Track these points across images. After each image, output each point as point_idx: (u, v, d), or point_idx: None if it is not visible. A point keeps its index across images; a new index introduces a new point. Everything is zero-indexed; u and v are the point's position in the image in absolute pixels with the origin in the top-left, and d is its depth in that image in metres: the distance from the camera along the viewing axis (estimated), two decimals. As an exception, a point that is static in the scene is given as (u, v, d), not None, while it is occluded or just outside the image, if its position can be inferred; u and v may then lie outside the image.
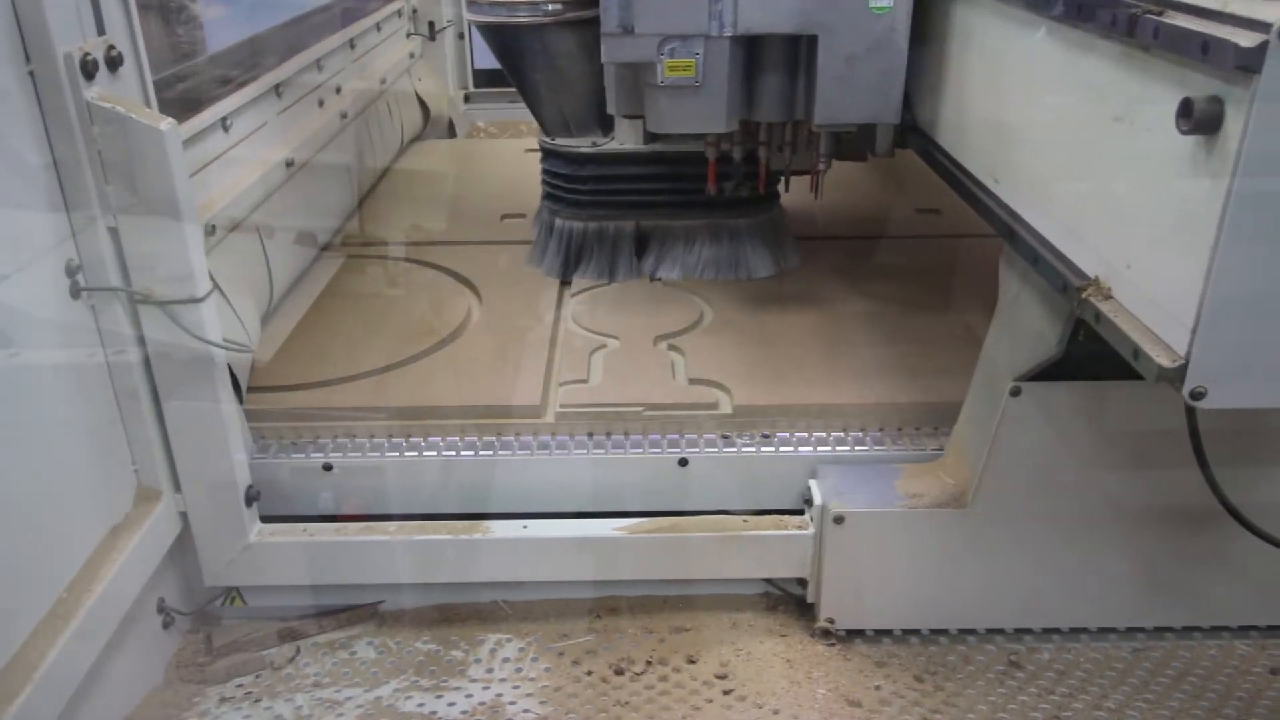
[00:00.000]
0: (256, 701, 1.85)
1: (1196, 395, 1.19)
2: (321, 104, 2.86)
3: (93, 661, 1.61)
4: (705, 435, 2.07)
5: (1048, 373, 1.71)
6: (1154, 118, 1.22)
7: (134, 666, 1.83)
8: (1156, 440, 1.74)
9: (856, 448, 2.05)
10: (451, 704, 1.83)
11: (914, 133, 2.15)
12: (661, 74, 2.02)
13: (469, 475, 2.05)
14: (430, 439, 2.08)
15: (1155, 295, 1.25)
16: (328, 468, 2.03)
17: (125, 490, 1.80)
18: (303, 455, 2.05)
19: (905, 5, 1.94)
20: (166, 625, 1.93)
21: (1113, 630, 1.97)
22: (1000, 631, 1.97)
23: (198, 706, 1.84)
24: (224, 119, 2.16)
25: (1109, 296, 1.35)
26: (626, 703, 1.81)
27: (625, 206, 2.68)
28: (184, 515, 1.91)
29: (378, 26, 3.59)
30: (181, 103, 2.06)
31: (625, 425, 2.10)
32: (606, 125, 2.61)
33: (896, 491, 1.89)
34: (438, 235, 3.01)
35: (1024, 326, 1.72)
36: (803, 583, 1.99)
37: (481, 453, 2.05)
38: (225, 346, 1.77)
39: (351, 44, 3.21)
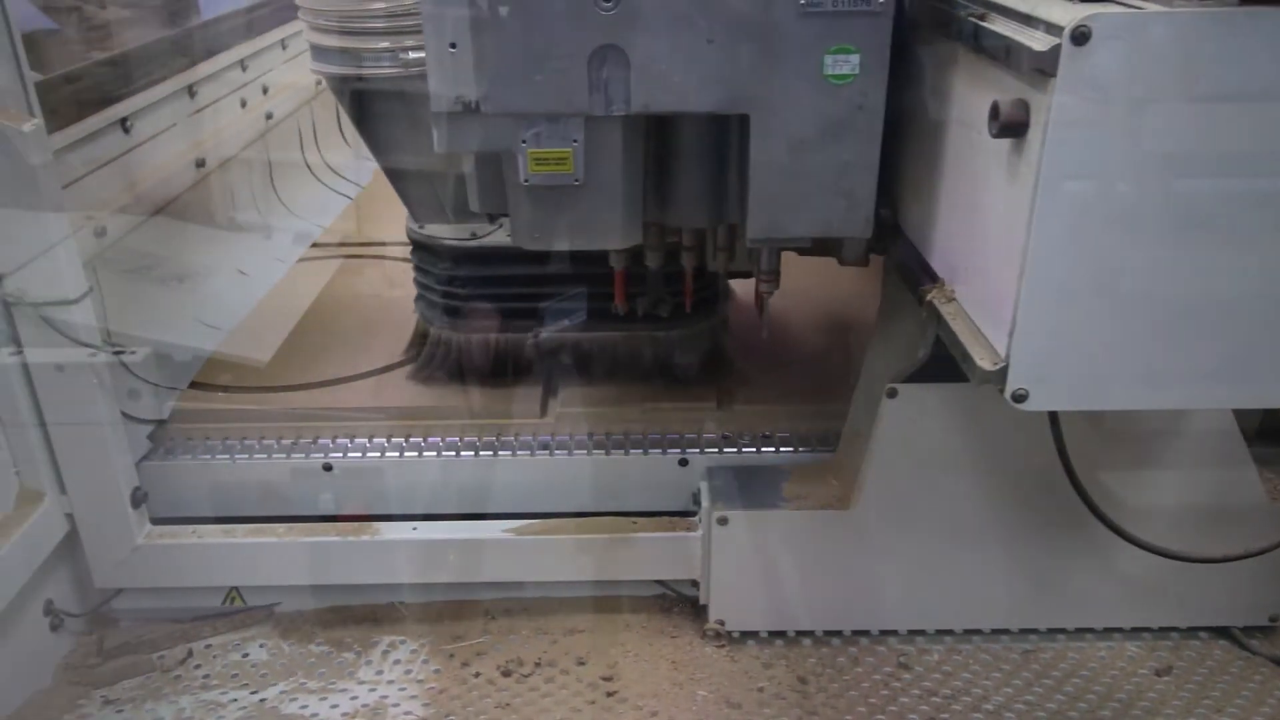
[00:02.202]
0: (140, 704, 1.84)
1: (1018, 398, 1.19)
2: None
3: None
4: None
5: (925, 375, 1.71)
6: (981, 121, 1.22)
7: (18, 668, 1.83)
8: (1032, 440, 1.74)
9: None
10: (334, 706, 1.83)
11: (895, 235, 1.65)
12: (525, 170, 1.48)
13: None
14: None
15: (984, 298, 1.25)
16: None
17: (5, 491, 1.80)
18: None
19: (879, 71, 1.39)
20: (55, 627, 1.93)
21: (1006, 632, 1.97)
22: (894, 633, 1.97)
23: (80, 709, 1.84)
24: (124, 120, 2.16)
25: (951, 299, 1.36)
26: (508, 704, 1.81)
27: (517, 316, 2.10)
28: (70, 517, 1.90)
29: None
30: (78, 103, 2.05)
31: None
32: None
33: (782, 493, 1.89)
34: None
35: (899, 331, 1.72)
36: (696, 585, 1.99)
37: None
38: (99, 347, 1.76)
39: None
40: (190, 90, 2.50)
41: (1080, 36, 1.01)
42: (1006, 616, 1.95)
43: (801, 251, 1.77)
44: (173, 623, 2.03)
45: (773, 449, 2.07)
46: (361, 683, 1.88)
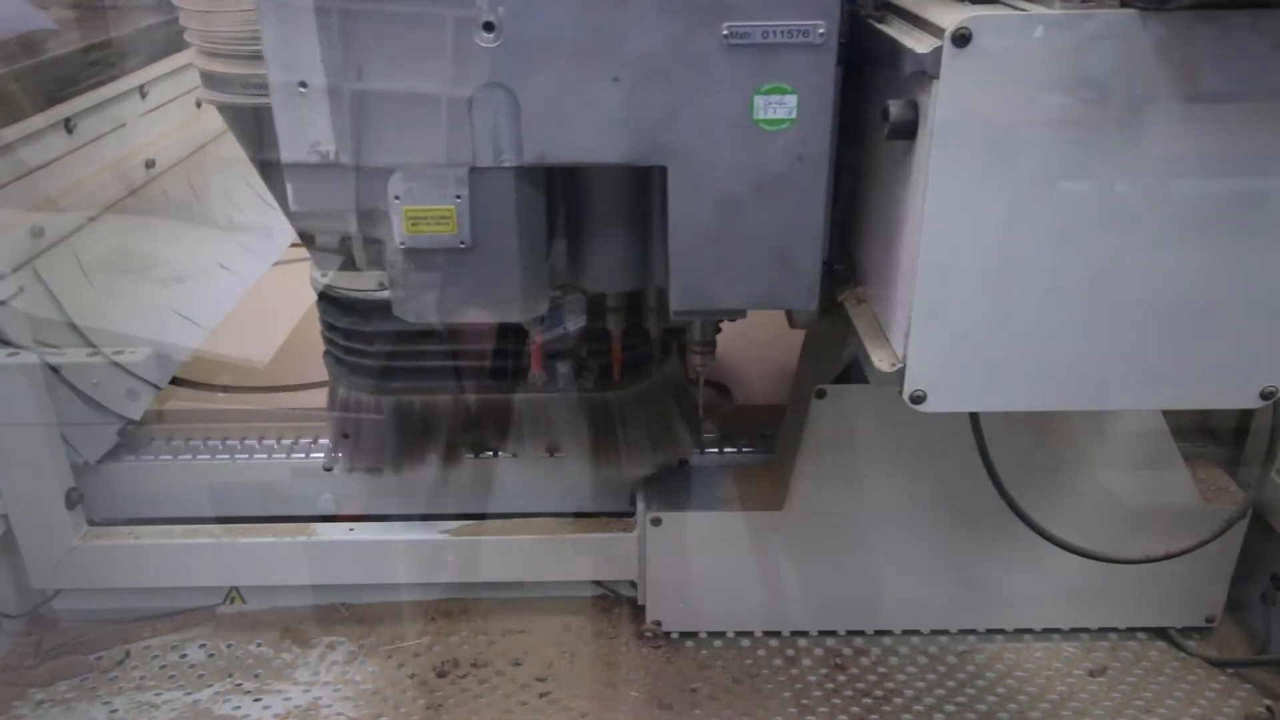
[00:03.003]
0: (74, 704, 1.84)
1: (916, 399, 1.19)
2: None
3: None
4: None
5: (856, 376, 1.71)
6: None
7: (-48, 669, 1.83)
8: (962, 442, 1.74)
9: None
10: (267, 707, 1.82)
11: (848, 288, 1.41)
12: (400, 230, 1.24)
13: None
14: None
15: (886, 300, 1.26)
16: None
17: (-62, 494, 1.80)
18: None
19: (821, 113, 1.16)
20: (-9, 628, 1.93)
21: (944, 633, 1.97)
22: (832, 634, 1.97)
23: (14, 710, 1.84)
24: (67, 120, 2.15)
25: (862, 301, 1.35)
26: (440, 705, 1.81)
27: (432, 374, 1.83)
28: (5, 518, 1.90)
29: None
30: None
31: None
32: None
33: (718, 494, 1.89)
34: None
35: (830, 333, 1.72)
36: (635, 585, 1.99)
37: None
38: (30, 348, 1.76)
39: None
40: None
41: (961, 38, 1.01)
42: (944, 617, 1.96)
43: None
44: (113, 624, 2.03)
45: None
46: (297, 684, 1.88)
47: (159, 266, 2.49)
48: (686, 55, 1.13)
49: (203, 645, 1.99)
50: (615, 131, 1.17)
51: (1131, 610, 1.94)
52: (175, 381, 2.27)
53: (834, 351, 1.71)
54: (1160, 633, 1.96)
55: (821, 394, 1.72)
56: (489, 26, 1.12)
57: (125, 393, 2.06)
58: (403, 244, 1.25)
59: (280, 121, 1.19)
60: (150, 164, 2.45)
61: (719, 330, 1.61)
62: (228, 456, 2.09)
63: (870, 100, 1.24)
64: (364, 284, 1.76)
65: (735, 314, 1.35)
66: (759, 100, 1.14)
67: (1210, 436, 2.07)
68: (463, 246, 1.25)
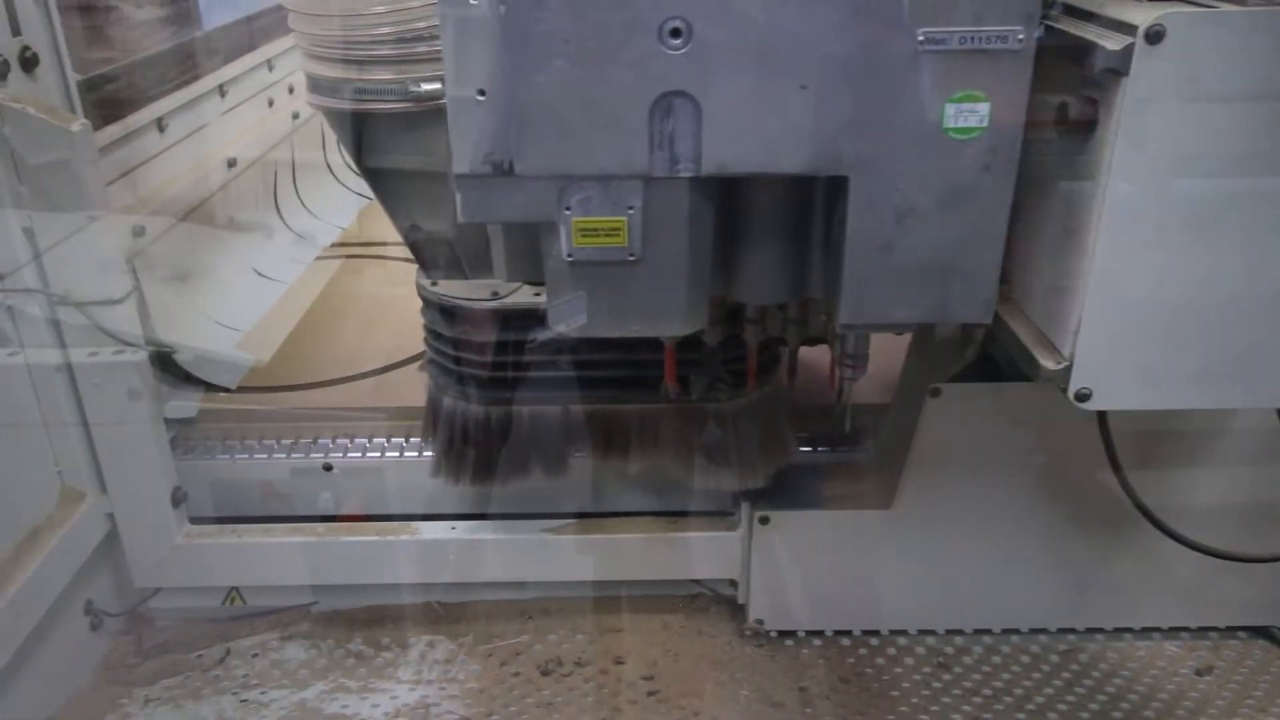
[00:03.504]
0: (181, 703, 1.85)
1: (1081, 397, 1.19)
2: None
3: (5, 662, 1.60)
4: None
5: (968, 374, 1.71)
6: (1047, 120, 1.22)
7: (59, 668, 1.83)
8: (1074, 440, 1.74)
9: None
10: (376, 705, 1.83)
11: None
12: (569, 243, 1.21)
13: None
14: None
15: (1046, 298, 1.25)
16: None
17: (47, 491, 1.80)
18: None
19: (1012, 122, 1.12)
20: (95, 627, 1.93)
21: (1044, 631, 1.97)
22: (932, 633, 1.97)
23: (122, 708, 1.84)
24: (159, 119, 2.16)
25: (1008, 299, 1.35)
26: (550, 703, 1.81)
27: (545, 385, 1.79)
28: (111, 516, 1.90)
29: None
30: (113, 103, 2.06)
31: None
32: None
33: (824, 492, 1.89)
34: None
35: (940, 331, 1.71)
36: (734, 584, 1.99)
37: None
38: (141, 345, 1.77)
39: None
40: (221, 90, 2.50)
41: (1154, 35, 1.01)
42: (1044, 616, 1.95)
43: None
44: (210, 622, 2.03)
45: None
46: (401, 682, 1.88)
47: (206, 271, 2.49)
48: (879, 61, 1.09)
49: (301, 644, 1.99)
50: (799, 141, 1.13)
51: (1233, 609, 1.94)
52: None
53: (948, 350, 1.70)
54: (1262, 631, 1.95)
55: (936, 393, 1.72)
56: (676, 33, 1.09)
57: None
58: (570, 256, 1.22)
59: (454, 132, 1.17)
60: (232, 163, 2.46)
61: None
62: (227, 456, 2.08)
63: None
64: (476, 293, 1.73)
65: (905, 328, 1.30)
66: (950, 108, 1.11)
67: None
68: (631, 259, 1.22)
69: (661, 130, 1.14)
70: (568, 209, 1.19)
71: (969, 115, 1.11)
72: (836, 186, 1.19)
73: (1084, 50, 1.08)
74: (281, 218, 2.96)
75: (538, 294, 1.63)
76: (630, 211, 1.19)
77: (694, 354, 1.74)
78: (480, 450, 1.84)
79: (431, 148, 1.57)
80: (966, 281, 1.20)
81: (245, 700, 1.85)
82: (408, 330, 2.40)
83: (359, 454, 2.08)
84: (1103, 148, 1.08)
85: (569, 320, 1.28)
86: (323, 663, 1.94)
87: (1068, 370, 1.18)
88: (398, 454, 2.07)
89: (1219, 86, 1.04)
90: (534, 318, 1.70)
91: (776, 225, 1.30)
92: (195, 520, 2.00)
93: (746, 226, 1.30)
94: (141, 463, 1.86)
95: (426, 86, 1.53)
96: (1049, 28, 1.14)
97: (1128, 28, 1.03)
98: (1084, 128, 1.10)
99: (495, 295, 1.72)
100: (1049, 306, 1.23)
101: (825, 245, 1.27)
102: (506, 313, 1.72)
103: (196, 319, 2.38)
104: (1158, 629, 1.97)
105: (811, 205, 1.28)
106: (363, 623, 2.04)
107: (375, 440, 2.11)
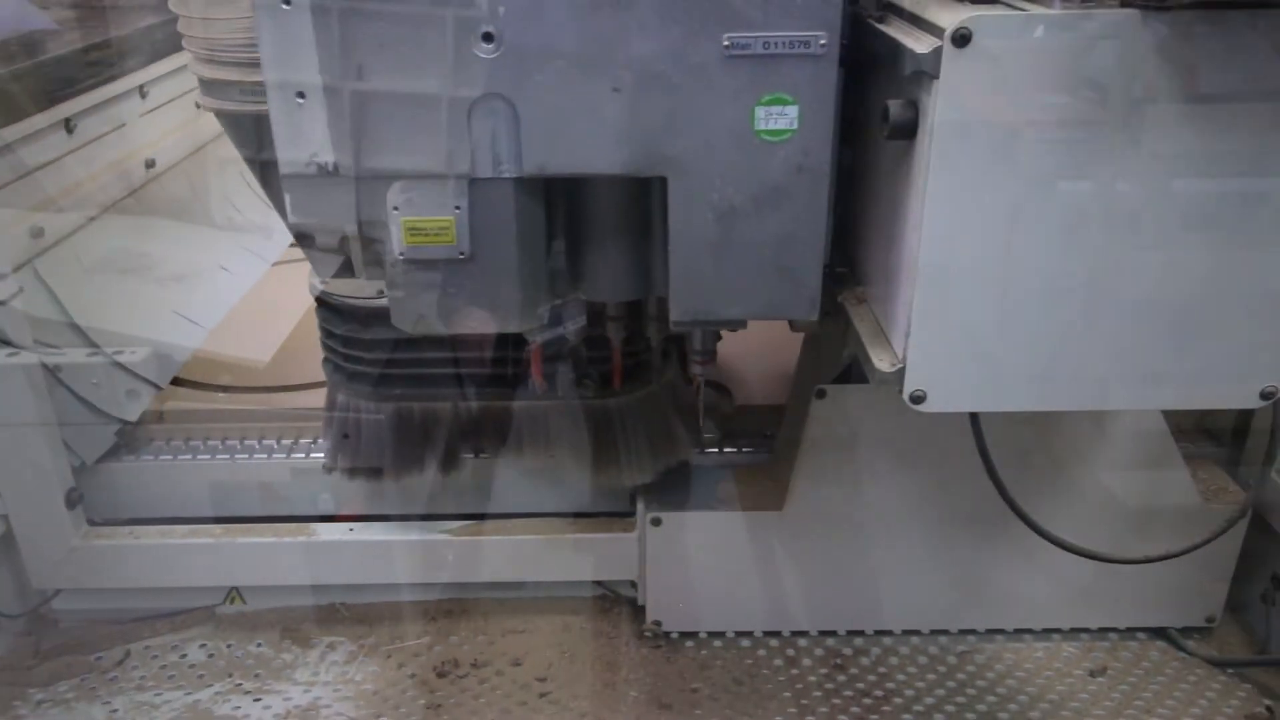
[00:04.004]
0: (73, 704, 1.84)
1: (916, 399, 1.19)
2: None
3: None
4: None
5: (857, 376, 1.71)
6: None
7: (-48, 669, 1.83)
8: (963, 442, 1.74)
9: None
10: (267, 707, 1.82)
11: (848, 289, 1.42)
12: (399, 242, 1.24)
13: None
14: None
15: (886, 300, 1.25)
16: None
17: (-62, 494, 1.80)
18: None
19: (822, 124, 1.15)
20: (-9, 628, 1.93)
21: (944, 633, 1.97)
22: (833, 634, 1.97)
23: (15, 710, 1.83)
24: (67, 120, 2.15)
25: (862, 301, 1.35)
26: (439, 705, 1.81)
27: (431, 382, 1.82)
28: (5, 518, 1.90)
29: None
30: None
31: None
32: None
33: (718, 494, 1.89)
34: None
35: (830, 332, 1.71)
36: (635, 585, 1.99)
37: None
38: (29, 348, 1.76)
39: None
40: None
41: (961, 38, 1.01)
42: (944, 617, 1.96)
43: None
44: (113, 624, 2.03)
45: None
46: (296, 684, 1.88)
47: (158, 266, 2.50)
48: (687, 65, 1.12)
49: (203, 645, 1.99)
50: (615, 142, 1.16)
51: (1131, 610, 1.94)
52: (175, 381, 2.27)
53: (834, 352, 1.71)
54: (1160, 632, 1.96)
55: (821, 394, 1.72)
56: (488, 37, 1.11)
57: (124, 393, 2.06)
58: (401, 255, 1.25)
59: (278, 132, 1.18)
60: (150, 164, 2.45)
61: (719, 338, 1.61)
62: (227, 456, 2.09)
63: (870, 100, 1.23)
64: (363, 291, 1.74)
65: (735, 324, 1.34)
66: (760, 111, 1.13)
67: (1210, 436, 2.07)
68: (462, 257, 1.24)
69: (482, 132, 1.15)
70: (395, 208, 1.21)
71: (779, 118, 1.13)
72: (663, 187, 1.21)
73: (899, 53, 1.08)
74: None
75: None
76: (457, 210, 1.21)
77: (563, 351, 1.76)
78: (370, 445, 1.87)
79: None
80: (790, 279, 1.22)
81: (139, 702, 1.85)
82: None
83: (303, 455, 2.08)
84: (921, 148, 1.08)
85: (408, 319, 1.30)
86: (221, 664, 1.94)
87: (901, 372, 1.18)
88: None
89: (1028, 88, 1.04)
90: None
91: (615, 225, 1.31)
92: (193, 520, 2.01)
93: (590, 227, 1.32)
94: (36, 465, 1.85)
95: None
96: (871, 29, 1.15)
97: (936, 30, 1.03)
98: (906, 130, 1.10)
99: (381, 294, 1.72)
100: (884, 308, 1.23)
101: (662, 244, 1.28)
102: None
103: (158, 313, 2.39)
104: (1058, 630, 1.97)
105: (648, 204, 1.30)
106: (266, 624, 2.04)
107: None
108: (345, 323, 1.80)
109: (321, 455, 2.05)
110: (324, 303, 1.83)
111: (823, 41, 1.09)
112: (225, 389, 2.28)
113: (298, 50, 1.13)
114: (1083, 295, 1.13)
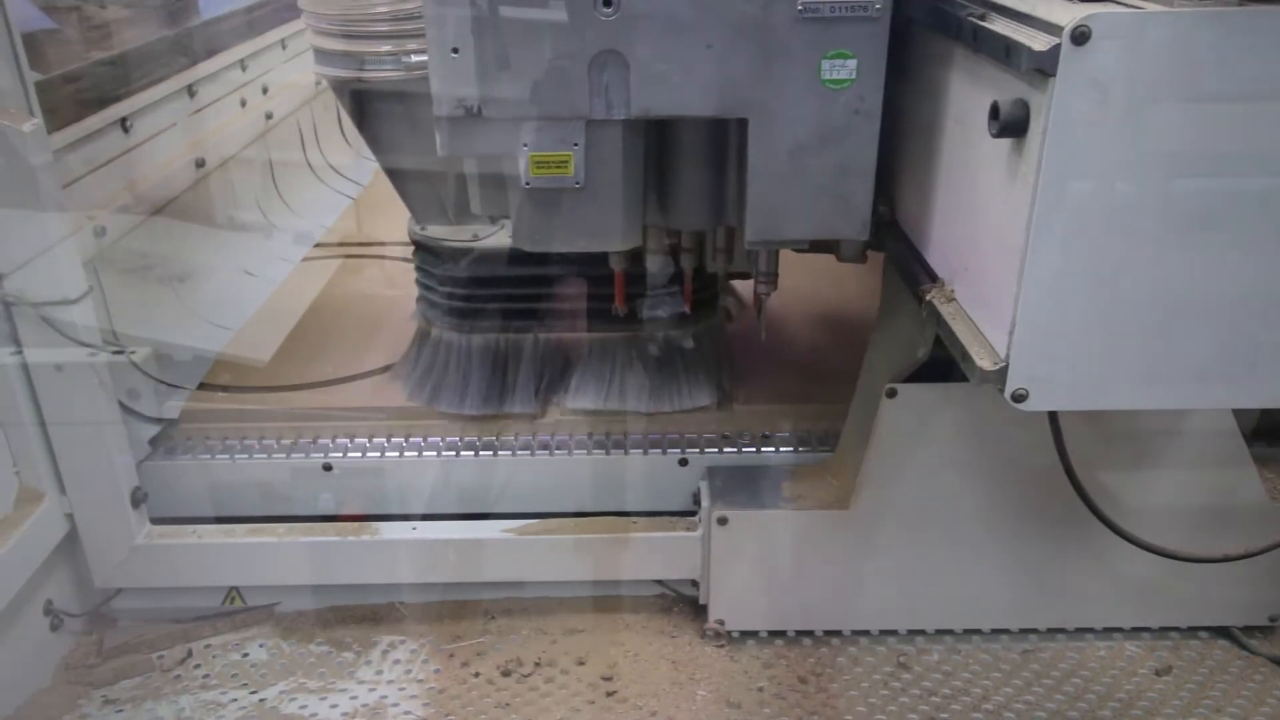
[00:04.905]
0: (140, 703, 1.84)
1: (1018, 398, 1.19)
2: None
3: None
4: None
5: (925, 375, 1.71)
6: (980, 121, 1.22)
7: (18, 668, 1.83)
8: (1032, 440, 1.74)
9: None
10: (334, 706, 1.83)
11: (892, 231, 1.65)
12: (526, 173, 1.48)
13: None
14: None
15: (984, 298, 1.25)
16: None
17: (5, 491, 1.80)
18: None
19: (875, 75, 1.38)
20: (55, 627, 1.93)
21: (1005, 632, 1.97)
22: (893, 633, 1.97)
23: (80, 708, 1.84)
24: (124, 119, 2.16)
25: (951, 299, 1.35)
26: (508, 704, 1.81)
27: (516, 316, 2.09)
28: (70, 517, 1.90)
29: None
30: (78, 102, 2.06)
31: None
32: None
33: (782, 493, 1.89)
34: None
35: (898, 331, 1.72)
36: (695, 584, 1.99)
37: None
38: (99, 347, 1.77)
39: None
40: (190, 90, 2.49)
41: (1080, 36, 1.01)
42: (1006, 616, 1.95)
43: (800, 250, 1.74)
44: (172, 623, 2.03)
45: (773, 449, 2.07)
46: (361, 682, 1.88)
47: (187, 269, 2.49)
48: (767, 26, 1.36)
49: (263, 644, 1.99)
50: (708, 89, 1.40)
51: (1194, 609, 1.94)
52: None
53: (905, 351, 1.70)
54: (1223, 632, 1.95)
55: (892, 393, 1.72)
56: (607, 2, 1.35)
57: (166, 393, 2.08)
58: (528, 184, 1.49)
59: (434, 81, 1.42)
60: (200, 163, 2.45)
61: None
62: (227, 457, 2.09)
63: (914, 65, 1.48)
64: (459, 236, 2.04)
65: (800, 243, 1.58)
66: (825, 63, 1.38)
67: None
68: (577, 186, 1.50)
69: (598, 81, 1.41)
70: (525, 144, 1.46)
71: (840, 69, 1.38)
72: (742, 128, 1.45)
73: (1011, 50, 1.08)
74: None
75: (510, 236, 1.82)
76: (575, 147, 1.47)
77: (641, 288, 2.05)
78: (460, 374, 2.12)
79: (421, 113, 1.78)
80: (846, 205, 1.48)
81: (205, 701, 1.85)
82: (407, 331, 2.42)
83: (359, 454, 2.09)
84: (1033, 147, 1.08)
85: (528, 239, 1.58)
86: (283, 663, 1.94)
87: (1004, 371, 1.18)
88: (398, 454, 2.09)
89: (1145, 86, 1.04)
90: (508, 257, 2.02)
91: (700, 161, 1.58)
92: (193, 520, 2.01)
93: (676, 163, 1.59)
94: (101, 463, 1.86)
95: (417, 58, 1.80)
96: (978, 27, 1.15)
97: (1054, 28, 1.03)
98: (1016, 128, 1.10)
99: (475, 238, 2.03)
100: (986, 306, 1.23)
101: (738, 178, 1.53)
102: (484, 252, 2.04)
103: (184, 316, 2.40)
104: (1119, 629, 1.97)
105: (726, 145, 1.55)
106: (326, 623, 2.04)
107: (375, 440, 2.12)
108: (441, 263, 2.07)
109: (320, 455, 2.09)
110: (421, 245, 2.10)
111: (878, 6, 1.34)
112: (225, 389, 2.26)
113: (453, 14, 1.37)
114: (1190, 296, 1.13)
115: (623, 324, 2.08)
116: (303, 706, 1.83)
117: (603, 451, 2.09)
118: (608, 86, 1.40)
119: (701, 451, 2.07)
